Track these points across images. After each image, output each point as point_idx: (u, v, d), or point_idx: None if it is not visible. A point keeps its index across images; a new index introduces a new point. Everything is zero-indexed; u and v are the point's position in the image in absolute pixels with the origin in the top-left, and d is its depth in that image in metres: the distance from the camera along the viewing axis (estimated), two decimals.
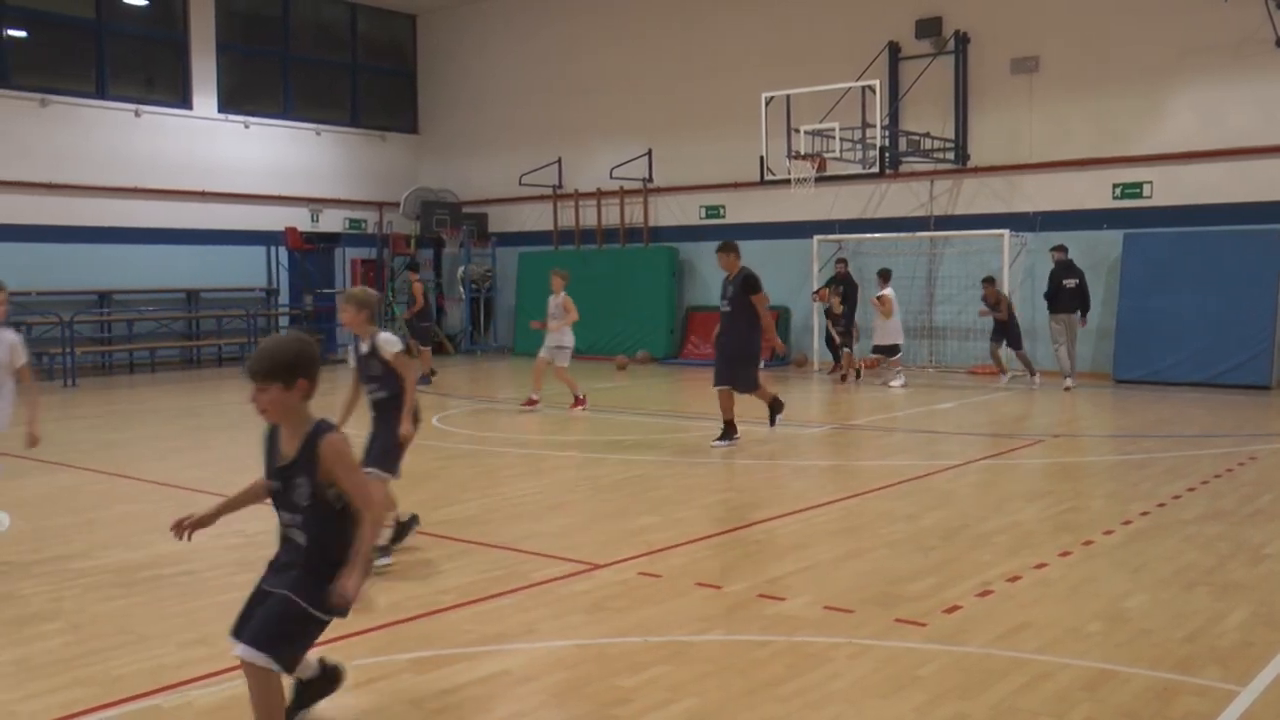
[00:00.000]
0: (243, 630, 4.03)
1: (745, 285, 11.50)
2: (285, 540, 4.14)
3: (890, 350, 17.87)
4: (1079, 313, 17.18)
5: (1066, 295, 17.11)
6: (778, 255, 21.08)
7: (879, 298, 17.88)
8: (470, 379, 20.24)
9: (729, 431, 11.50)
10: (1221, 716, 4.51)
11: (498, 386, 18.87)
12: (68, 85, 21.96)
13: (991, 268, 18.95)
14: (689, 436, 12.71)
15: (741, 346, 11.55)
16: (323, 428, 4.07)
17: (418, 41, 28.12)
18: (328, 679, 4.56)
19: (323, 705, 4.73)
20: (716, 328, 11.92)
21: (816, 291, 19.75)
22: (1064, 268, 17.23)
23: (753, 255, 21.29)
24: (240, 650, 3.97)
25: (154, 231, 22.59)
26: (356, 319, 6.89)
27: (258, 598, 4.09)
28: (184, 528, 4.29)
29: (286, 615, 3.95)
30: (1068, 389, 16.63)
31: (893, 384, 17.39)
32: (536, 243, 25.79)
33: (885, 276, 18.08)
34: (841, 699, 4.71)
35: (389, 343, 6.84)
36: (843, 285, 19.21)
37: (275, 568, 4.14)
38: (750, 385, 11.52)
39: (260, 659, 3.93)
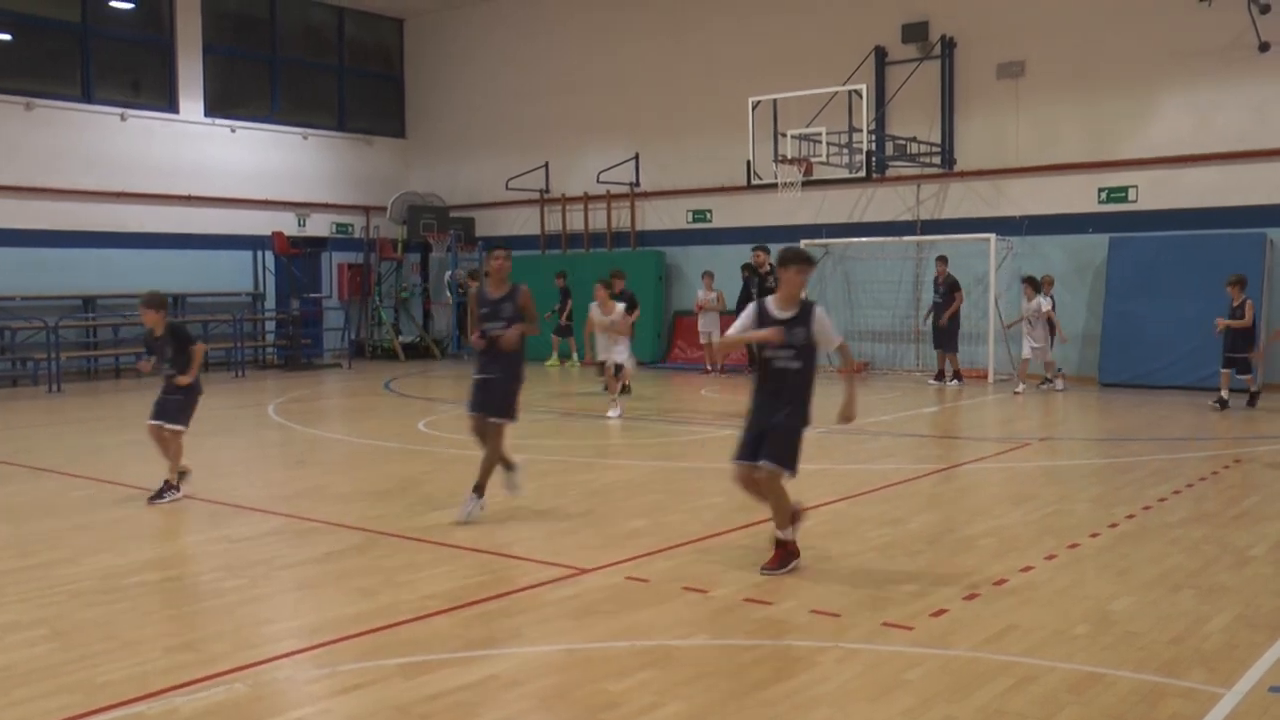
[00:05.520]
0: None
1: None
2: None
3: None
4: None
5: None
6: None
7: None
8: (457, 384, 20.19)
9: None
10: (1206, 718, 4.52)
11: None
12: (53, 88, 21.86)
13: (978, 272, 19.00)
14: (676, 440, 12.71)
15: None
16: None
17: (405, 45, 28.08)
18: None
19: (309, 710, 4.72)
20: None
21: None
22: (769, 272, 16.62)
23: (739, 260, 21.52)
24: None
25: (140, 235, 22.51)
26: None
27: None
28: None
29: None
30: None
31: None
32: (524, 247, 25.73)
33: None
34: (829, 703, 4.71)
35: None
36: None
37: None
38: None
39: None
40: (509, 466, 8.69)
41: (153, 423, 9.41)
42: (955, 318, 18.31)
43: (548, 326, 23.39)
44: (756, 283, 15.22)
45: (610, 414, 14.43)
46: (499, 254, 8.52)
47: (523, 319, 8.42)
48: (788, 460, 6.69)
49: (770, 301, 6.81)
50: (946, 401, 16.35)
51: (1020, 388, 17.08)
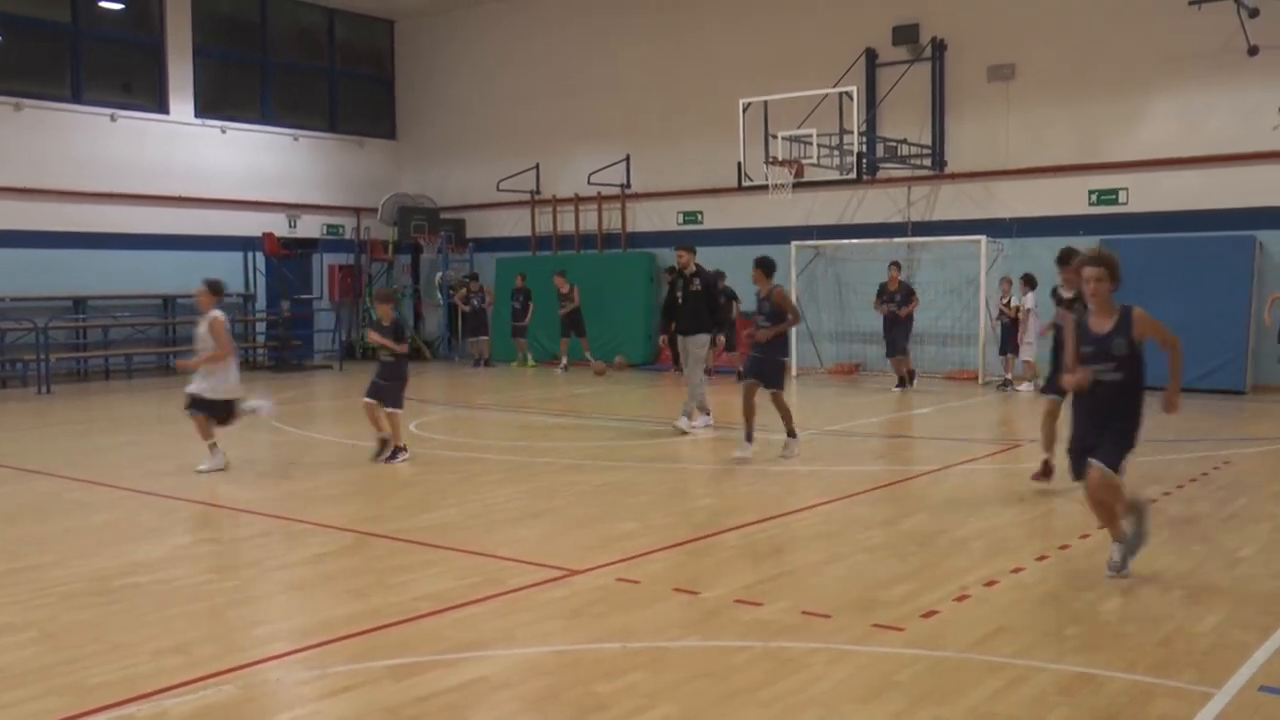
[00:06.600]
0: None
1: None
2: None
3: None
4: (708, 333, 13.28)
5: (688, 310, 13.08)
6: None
7: None
8: (448, 385, 20.18)
9: None
10: (1196, 719, 4.54)
11: (476, 393, 18.82)
12: (43, 89, 21.79)
13: (969, 274, 19.04)
14: (667, 442, 12.70)
15: None
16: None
17: (396, 47, 28.05)
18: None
19: (299, 712, 4.71)
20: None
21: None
22: (694, 274, 13.14)
23: (730, 261, 21.48)
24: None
25: (130, 237, 22.44)
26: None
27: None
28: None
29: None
30: (684, 432, 13.01)
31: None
32: (514, 248, 25.75)
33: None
34: (819, 704, 4.71)
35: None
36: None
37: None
38: None
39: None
40: (791, 434, 11.06)
41: (369, 400, 10.93)
42: (909, 320, 18.19)
43: (508, 328, 23.30)
44: (682, 285, 13.21)
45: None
46: (761, 262, 11.09)
47: (780, 312, 10.95)
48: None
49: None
50: (899, 409, 16.36)
51: (1025, 386, 17.23)
